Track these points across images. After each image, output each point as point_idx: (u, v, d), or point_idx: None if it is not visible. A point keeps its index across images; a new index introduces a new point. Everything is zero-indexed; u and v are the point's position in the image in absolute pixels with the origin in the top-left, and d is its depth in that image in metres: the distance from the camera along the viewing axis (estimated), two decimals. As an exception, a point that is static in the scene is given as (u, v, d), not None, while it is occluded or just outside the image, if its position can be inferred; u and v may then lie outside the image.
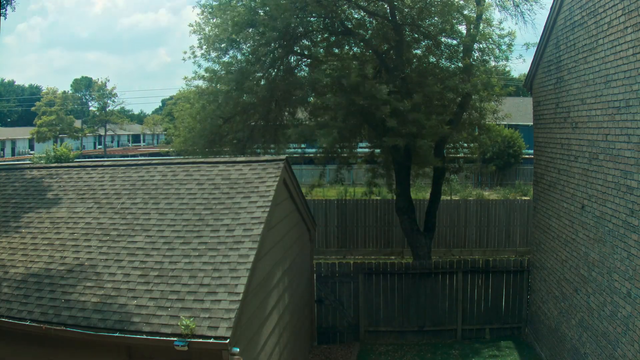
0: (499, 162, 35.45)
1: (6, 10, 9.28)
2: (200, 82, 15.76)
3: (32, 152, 62.71)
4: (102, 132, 68.65)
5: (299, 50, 15.50)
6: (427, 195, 18.74)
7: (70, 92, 70.81)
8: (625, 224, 8.26)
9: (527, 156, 36.26)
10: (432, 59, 15.51)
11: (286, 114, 16.47)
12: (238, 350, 6.89)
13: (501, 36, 14.36)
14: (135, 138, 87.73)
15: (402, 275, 14.06)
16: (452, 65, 15.19)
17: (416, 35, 15.03)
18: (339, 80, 13.08)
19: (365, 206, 21.76)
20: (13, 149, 67.12)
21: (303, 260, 12.69)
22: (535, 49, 12.94)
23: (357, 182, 36.14)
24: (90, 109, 69.74)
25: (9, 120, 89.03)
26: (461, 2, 14.28)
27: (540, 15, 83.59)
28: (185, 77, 16.58)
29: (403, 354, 13.26)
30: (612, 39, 8.62)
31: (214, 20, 14.44)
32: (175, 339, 6.73)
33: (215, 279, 7.49)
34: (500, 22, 21.63)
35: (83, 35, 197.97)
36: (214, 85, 15.40)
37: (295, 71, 15.96)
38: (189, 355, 6.86)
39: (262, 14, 13.76)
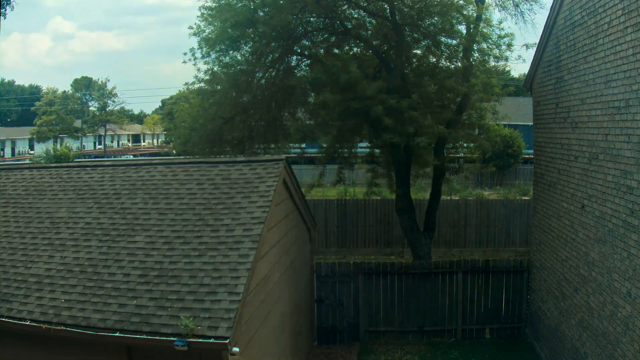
0: (499, 162, 35.44)
1: (6, 10, 9.29)
2: (200, 85, 15.78)
3: (32, 152, 62.71)
4: (102, 132, 68.65)
5: (299, 50, 15.50)
6: (427, 195, 18.73)
7: (70, 92, 70.75)
8: (625, 224, 8.26)
9: (527, 156, 36.26)
10: (432, 59, 15.51)
11: (286, 114, 16.47)
12: (238, 350, 6.89)
13: (501, 36, 14.36)
14: (136, 138, 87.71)
15: (402, 275, 14.06)
16: (452, 65, 15.19)
17: (416, 35, 15.02)
18: (336, 79, 13.09)
19: (365, 206, 21.74)
20: (13, 149, 67.06)
21: (303, 260, 12.69)
22: (534, 49, 12.95)
23: (357, 182, 36.11)
24: (90, 108, 69.69)
25: (9, 120, 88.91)
26: (461, 2, 14.28)
27: (540, 15, 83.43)
28: (187, 83, 16.56)
29: (403, 354, 13.25)
30: (612, 39, 8.62)
31: (215, 24, 14.43)
32: (175, 339, 6.74)
33: (215, 279, 7.50)
34: (500, 22, 21.65)
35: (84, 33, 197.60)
36: (214, 86, 15.40)
37: (295, 71, 15.96)
38: (188, 355, 6.86)
39: (262, 14, 13.76)
